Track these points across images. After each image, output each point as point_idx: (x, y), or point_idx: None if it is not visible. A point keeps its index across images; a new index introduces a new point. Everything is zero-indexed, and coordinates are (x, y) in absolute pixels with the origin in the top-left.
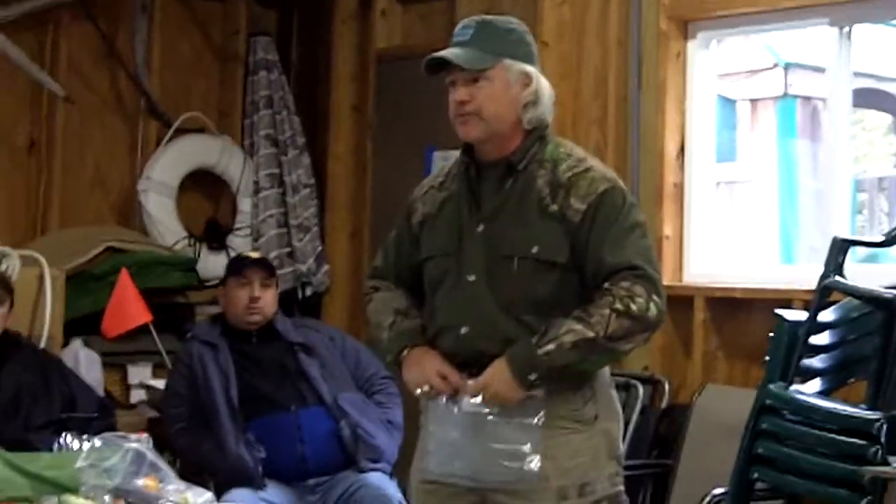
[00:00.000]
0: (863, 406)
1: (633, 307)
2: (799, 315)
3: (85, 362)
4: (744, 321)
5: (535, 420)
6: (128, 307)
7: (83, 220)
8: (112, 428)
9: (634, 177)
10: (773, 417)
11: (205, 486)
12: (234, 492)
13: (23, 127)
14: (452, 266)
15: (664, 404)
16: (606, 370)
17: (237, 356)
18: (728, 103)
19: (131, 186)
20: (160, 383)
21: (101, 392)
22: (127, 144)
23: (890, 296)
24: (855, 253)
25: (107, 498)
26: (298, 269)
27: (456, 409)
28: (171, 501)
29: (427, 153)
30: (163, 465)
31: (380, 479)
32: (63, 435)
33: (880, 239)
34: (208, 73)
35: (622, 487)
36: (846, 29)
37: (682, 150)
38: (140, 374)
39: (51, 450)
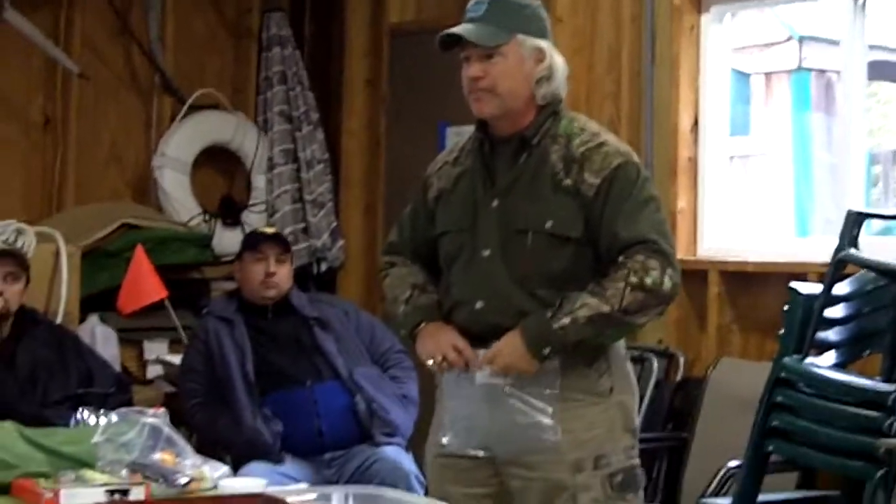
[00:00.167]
0: (878, 378)
1: (648, 280)
2: (814, 288)
3: (101, 338)
4: (758, 294)
5: (551, 391)
6: (143, 283)
7: (98, 196)
8: (129, 403)
9: (648, 151)
10: (787, 390)
11: (221, 460)
12: (250, 465)
13: (38, 104)
14: (467, 241)
15: (679, 377)
16: (622, 343)
17: (253, 331)
18: (742, 77)
19: (146, 163)
20: (176, 359)
21: (117, 368)
22: (141, 121)
23: None
24: (870, 226)
25: (124, 472)
26: (313, 245)
27: (471, 383)
28: (187, 475)
29: (440, 128)
30: (179, 439)
31: (395, 453)
32: (80, 410)
33: (895, 212)
34: (222, 49)
35: (637, 460)
36: (860, 1)
37: (695, 123)
38: (156, 349)
39: (67, 425)
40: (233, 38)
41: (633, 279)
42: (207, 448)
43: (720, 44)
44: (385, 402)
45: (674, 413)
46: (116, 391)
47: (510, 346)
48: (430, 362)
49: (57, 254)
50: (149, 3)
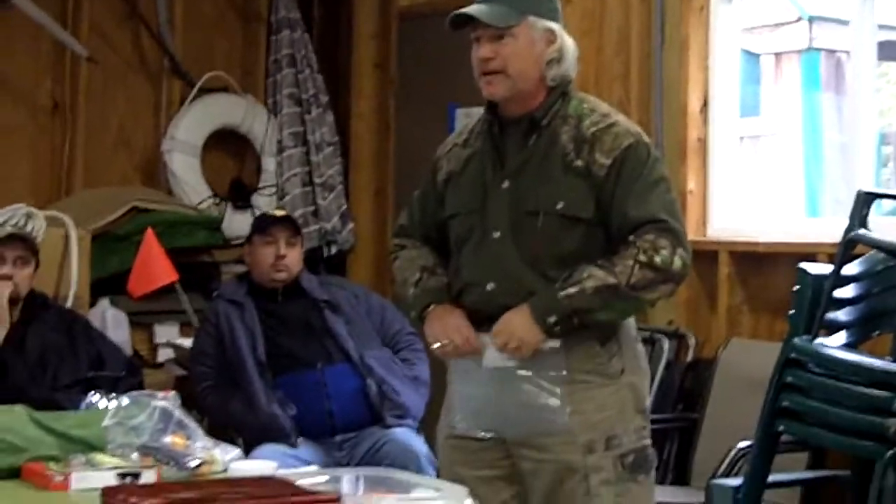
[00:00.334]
0: (888, 358)
1: (657, 259)
2: (823, 269)
3: (112, 322)
4: (768, 275)
5: (557, 373)
6: (154, 267)
7: (108, 180)
8: (139, 387)
9: (658, 132)
10: (798, 371)
11: (232, 443)
12: (262, 448)
13: (46, 88)
14: (477, 223)
15: (689, 358)
16: (632, 324)
17: (263, 314)
18: (752, 57)
19: (155, 146)
20: (187, 342)
21: (128, 351)
22: (151, 104)
23: None
24: (880, 206)
25: (134, 456)
26: (323, 228)
27: (479, 366)
28: (198, 458)
29: (450, 110)
30: (190, 422)
31: (406, 435)
32: (90, 394)
33: None
34: (231, 32)
35: (649, 441)
36: None
37: (705, 104)
38: (167, 333)
39: (78, 409)
40: (242, 20)
41: (643, 257)
42: (218, 431)
43: (730, 24)
44: (396, 385)
45: (684, 394)
46: (127, 375)
47: (517, 317)
48: (437, 345)
49: (66, 238)
50: None
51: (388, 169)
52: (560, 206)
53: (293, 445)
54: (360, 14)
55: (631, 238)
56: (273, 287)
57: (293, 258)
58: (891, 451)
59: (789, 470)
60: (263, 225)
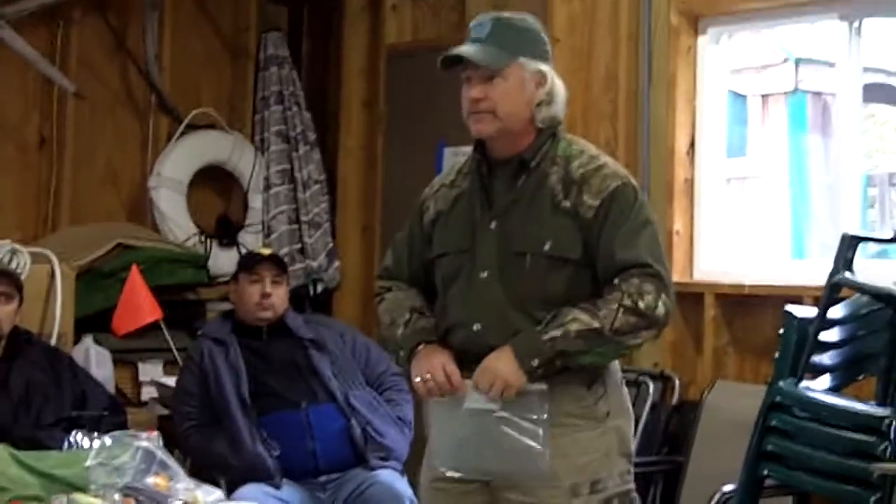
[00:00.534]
0: (872, 403)
1: (642, 304)
2: (809, 311)
3: (96, 359)
4: (754, 317)
5: (541, 416)
6: (138, 304)
7: (94, 216)
8: (123, 425)
9: (645, 172)
10: (782, 414)
11: (215, 483)
12: (245, 489)
13: (33, 123)
14: (465, 263)
15: (674, 401)
16: (617, 367)
17: (248, 353)
18: (739, 98)
19: (142, 183)
20: (171, 380)
21: (111, 389)
22: (138, 140)
23: None
24: (866, 249)
25: (116, 497)
26: (309, 266)
27: (461, 408)
28: (180, 500)
29: (438, 149)
30: (172, 463)
31: (390, 477)
32: (73, 433)
33: (890, 235)
34: (219, 68)
35: (633, 485)
36: (856, 24)
37: (692, 145)
38: (151, 371)
39: (61, 448)
40: (230, 57)
41: (627, 302)
42: (201, 472)
43: (717, 65)
44: (380, 426)
45: (669, 436)
46: (110, 413)
47: (499, 359)
48: (418, 380)
49: (51, 274)
50: (146, 22)
51: (375, 207)
52: (547, 246)
53: (277, 486)
54: (348, 51)
55: (616, 282)
56: (258, 325)
57: (279, 297)
58: (875, 496)
59: None
60: (249, 263)
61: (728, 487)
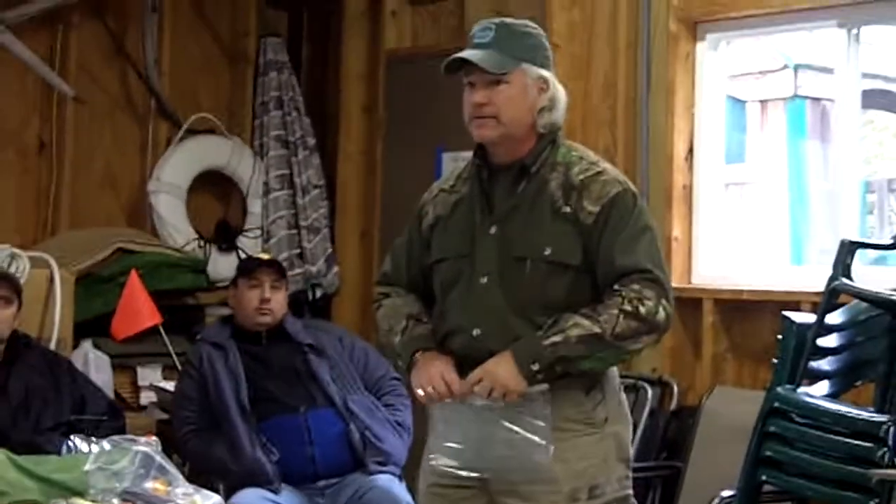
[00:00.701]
0: (871, 409)
1: (642, 309)
2: (807, 317)
3: (94, 364)
4: (753, 323)
5: (543, 412)
6: (138, 309)
7: (93, 221)
8: (122, 430)
9: (644, 178)
10: (781, 420)
11: (213, 488)
12: (243, 493)
13: (33, 127)
14: (465, 268)
15: (673, 406)
16: (615, 373)
17: (247, 358)
18: (738, 104)
19: (141, 187)
20: (170, 385)
21: (111, 394)
22: (137, 145)
23: None
24: (865, 255)
25: (115, 501)
26: (308, 271)
27: (462, 408)
28: None
29: (437, 154)
30: (171, 468)
31: (389, 482)
32: (72, 437)
33: (889, 241)
34: (218, 73)
35: (631, 490)
36: (854, 31)
37: (691, 151)
38: (150, 376)
39: (60, 452)
40: (229, 62)
41: (628, 307)
42: (199, 476)
43: (716, 71)
44: (379, 431)
45: (668, 442)
46: (109, 418)
47: (499, 363)
48: (420, 393)
49: (51, 279)
50: (145, 27)
51: (374, 212)
52: (548, 252)
53: (276, 491)
54: (347, 57)
55: (616, 287)
56: (257, 330)
57: (278, 301)
58: (873, 502)
59: None
60: (249, 268)
61: (726, 493)
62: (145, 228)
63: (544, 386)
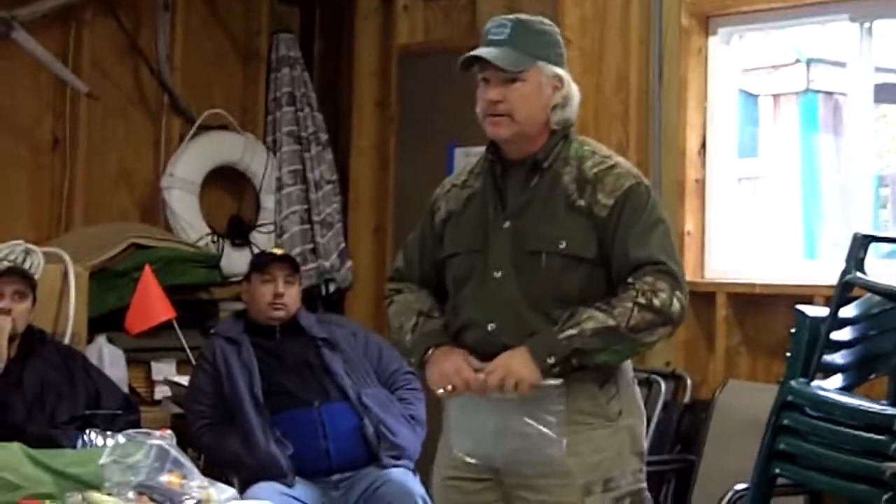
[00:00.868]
0: (884, 402)
1: (656, 301)
2: (820, 311)
3: (109, 359)
4: (766, 317)
5: (558, 407)
6: (151, 304)
7: (107, 216)
8: (136, 424)
9: (656, 173)
10: (794, 413)
11: (228, 482)
12: (257, 487)
13: (46, 124)
14: (478, 262)
15: (686, 400)
16: (629, 367)
17: (260, 352)
18: (750, 98)
19: (155, 183)
20: (184, 380)
21: (125, 388)
22: (150, 141)
23: None
24: (878, 248)
25: (130, 494)
26: (322, 266)
27: (479, 400)
28: (194, 498)
29: (449, 149)
30: (186, 461)
31: (403, 475)
32: (87, 431)
33: None
34: (231, 69)
35: (645, 483)
36: (867, 25)
37: (703, 145)
38: (164, 370)
39: (75, 446)
40: (242, 58)
41: (642, 300)
42: (214, 470)
43: (728, 66)
44: (393, 425)
45: (681, 435)
46: (124, 412)
47: (514, 356)
48: (441, 392)
49: (65, 274)
50: (158, 23)
51: (387, 207)
52: (562, 245)
53: (290, 485)
54: (360, 52)
55: (630, 280)
56: (271, 325)
57: (291, 296)
58: (887, 495)
59: None
60: (262, 263)
61: (740, 486)
62: (159, 224)
63: (558, 380)
